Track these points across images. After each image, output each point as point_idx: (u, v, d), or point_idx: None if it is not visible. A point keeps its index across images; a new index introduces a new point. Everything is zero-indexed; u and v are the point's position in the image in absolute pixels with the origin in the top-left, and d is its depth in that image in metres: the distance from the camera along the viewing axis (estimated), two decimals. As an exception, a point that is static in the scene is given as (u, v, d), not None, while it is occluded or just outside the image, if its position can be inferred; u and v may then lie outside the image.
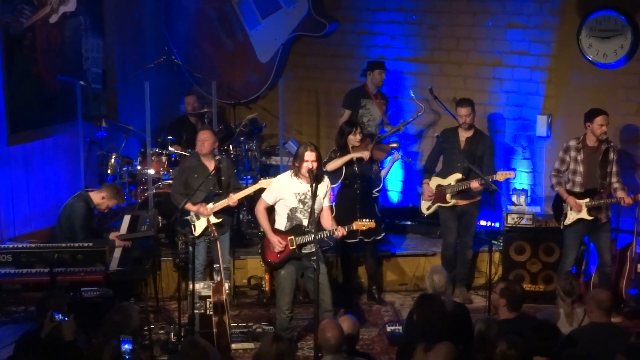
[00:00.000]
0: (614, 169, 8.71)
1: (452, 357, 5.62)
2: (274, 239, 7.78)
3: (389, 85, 10.83)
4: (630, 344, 5.75)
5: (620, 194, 8.66)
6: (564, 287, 6.90)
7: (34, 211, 9.93)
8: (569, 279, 7.09)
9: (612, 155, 8.69)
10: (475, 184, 9.00)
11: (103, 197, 8.85)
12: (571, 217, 8.78)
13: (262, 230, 7.95)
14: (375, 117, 10.23)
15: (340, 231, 7.76)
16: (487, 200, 9.92)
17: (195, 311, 7.75)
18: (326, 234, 7.82)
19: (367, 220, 7.93)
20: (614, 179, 8.72)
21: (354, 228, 7.90)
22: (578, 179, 8.75)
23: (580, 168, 8.72)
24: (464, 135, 9.23)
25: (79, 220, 8.62)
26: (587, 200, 8.67)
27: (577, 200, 8.69)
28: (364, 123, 9.98)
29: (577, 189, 8.76)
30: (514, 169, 9.71)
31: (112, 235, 8.71)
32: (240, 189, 8.89)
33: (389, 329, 8.50)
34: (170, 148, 10.27)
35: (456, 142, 9.20)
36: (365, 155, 8.98)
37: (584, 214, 8.71)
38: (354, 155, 8.95)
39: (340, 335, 6.02)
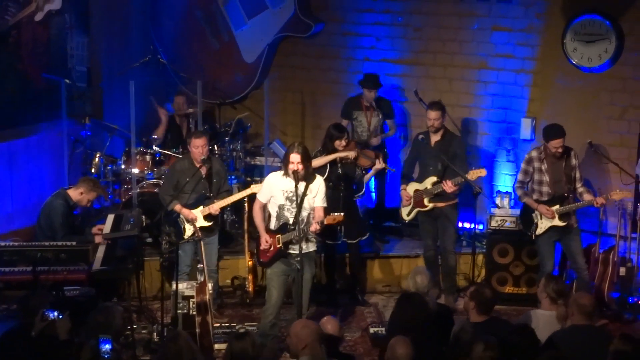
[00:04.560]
0: (577, 174, 8.74)
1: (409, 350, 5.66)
2: (262, 238, 7.77)
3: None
4: (615, 350, 5.75)
5: (588, 197, 8.67)
6: (558, 289, 6.80)
7: (17, 209, 9.89)
8: (557, 280, 7.05)
9: (574, 161, 8.72)
10: (448, 186, 8.83)
11: (81, 193, 8.80)
12: (542, 225, 8.76)
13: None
14: (366, 128, 10.23)
15: (314, 226, 7.69)
16: (471, 202, 9.92)
17: (179, 311, 7.74)
18: (305, 230, 7.69)
19: (337, 213, 7.85)
20: (578, 184, 8.75)
21: (325, 223, 7.75)
22: (545, 188, 8.75)
23: (546, 177, 8.72)
24: (434, 138, 9.07)
25: (58, 219, 8.58)
26: (558, 206, 8.68)
27: (549, 208, 8.69)
28: (357, 133, 10.12)
29: (544, 198, 8.76)
30: (484, 166, 9.41)
31: (95, 229, 8.67)
32: (230, 192, 8.87)
33: (372, 330, 8.48)
34: (154, 147, 10.25)
35: (428, 145, 9.08)
36: (351, 154, 8.96)
37: (557, 221, 8.69)
38: (340, 154, 8.94)
39: (314, 332, 5.93)
